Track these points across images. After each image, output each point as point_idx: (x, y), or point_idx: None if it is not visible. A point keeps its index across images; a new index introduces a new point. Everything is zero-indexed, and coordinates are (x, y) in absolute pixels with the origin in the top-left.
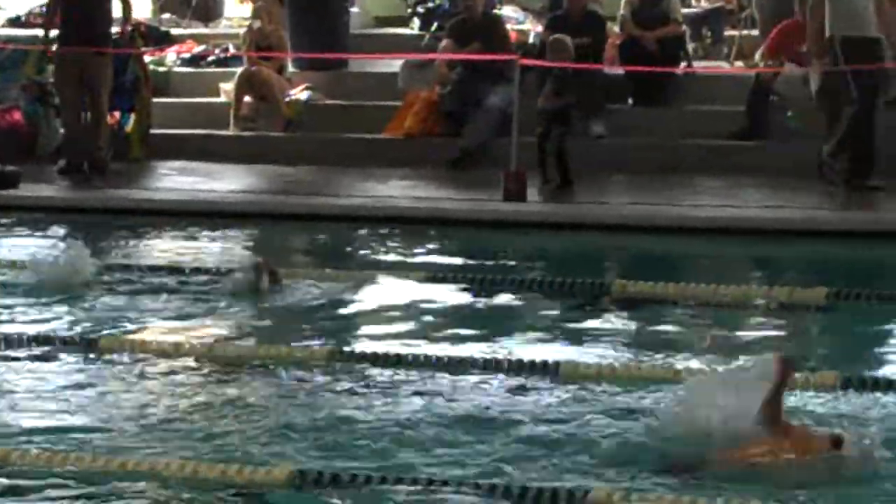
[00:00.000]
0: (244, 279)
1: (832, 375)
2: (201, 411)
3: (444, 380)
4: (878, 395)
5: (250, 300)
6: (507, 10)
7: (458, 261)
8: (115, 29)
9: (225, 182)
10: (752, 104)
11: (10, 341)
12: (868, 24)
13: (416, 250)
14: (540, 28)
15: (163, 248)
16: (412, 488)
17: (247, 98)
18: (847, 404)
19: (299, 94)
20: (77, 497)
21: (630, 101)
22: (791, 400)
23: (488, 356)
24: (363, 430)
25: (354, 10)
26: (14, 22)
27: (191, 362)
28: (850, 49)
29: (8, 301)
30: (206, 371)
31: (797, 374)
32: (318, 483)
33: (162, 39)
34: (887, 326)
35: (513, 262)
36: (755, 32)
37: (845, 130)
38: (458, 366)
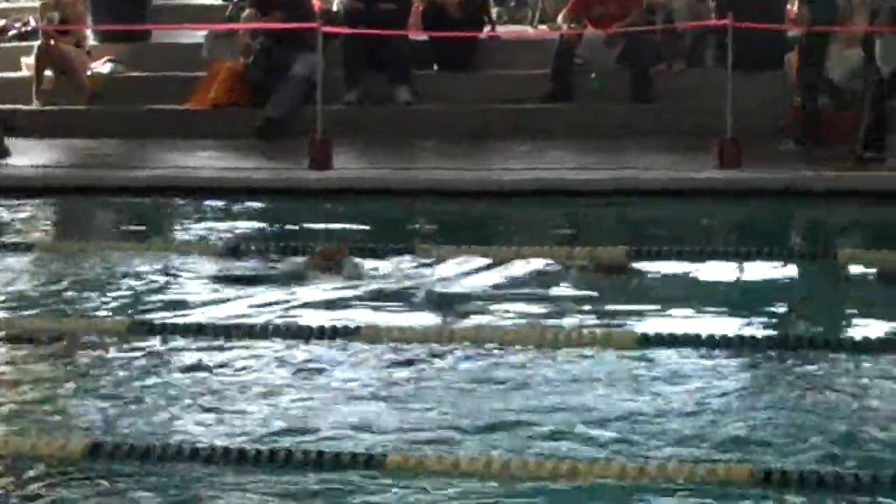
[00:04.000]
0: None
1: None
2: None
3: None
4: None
5: (50, 272)
6: None
7: (264, 229)
8: None
9: (29, 157)
10: (557, 67)
11: None
12: None
13: (221, 221)
14: None
15: None
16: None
17: (48, 72)
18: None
19: (101, 66)
20: None
21: (435, 66)
22: None
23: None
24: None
25: None
26: None
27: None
28: None
29: None
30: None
31: None
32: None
33: None
34: (683, 281)
35: (320, 230)
36: None
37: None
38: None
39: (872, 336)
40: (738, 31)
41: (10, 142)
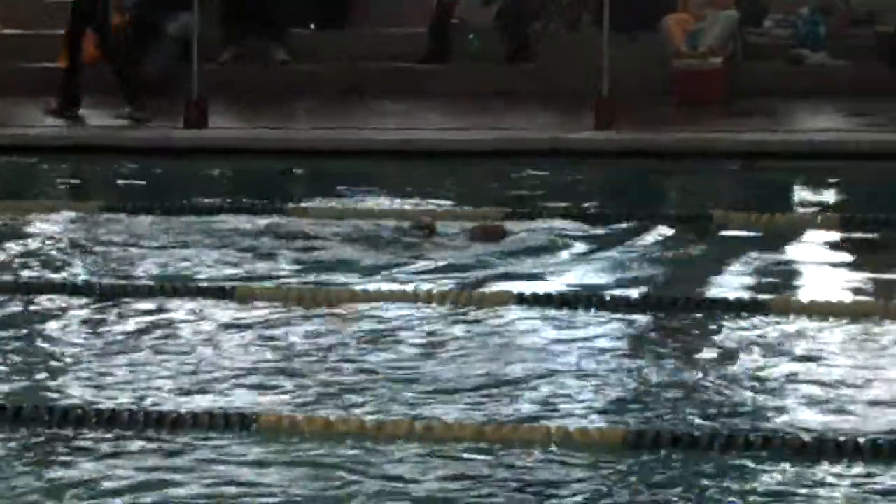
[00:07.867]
0: None
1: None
2: None
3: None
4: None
5: None
6: None
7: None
8: None
9: None
10: (435, 27)
11: None
12: None
13: (95, 180)
14: None
15: None
16: None
17: None
18: None
19: None
20: None
21: (312, 25)
22: None
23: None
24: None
25: None
26: None
27: None
28: None
29: None
30: None
31: None
32: None
33: None
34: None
35: (196, 189)
36: None
37: None
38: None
39: (740, 296)
40: None
41: None
